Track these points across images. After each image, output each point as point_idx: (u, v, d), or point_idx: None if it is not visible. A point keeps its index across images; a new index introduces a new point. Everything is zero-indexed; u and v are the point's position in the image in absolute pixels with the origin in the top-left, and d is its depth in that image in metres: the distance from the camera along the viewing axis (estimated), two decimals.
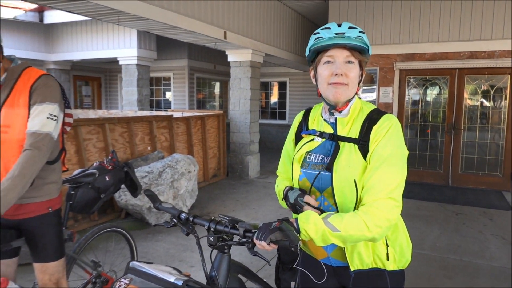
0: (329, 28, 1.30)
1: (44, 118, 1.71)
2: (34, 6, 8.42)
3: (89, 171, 2.24)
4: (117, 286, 1.21)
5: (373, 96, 7.82)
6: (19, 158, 1.66)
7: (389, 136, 1.26)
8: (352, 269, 1.34)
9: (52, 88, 1.78)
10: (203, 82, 11.78)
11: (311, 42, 1.34)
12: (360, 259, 1.33)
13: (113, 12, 4.58)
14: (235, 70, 7.68)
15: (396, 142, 1.26)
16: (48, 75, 1.81)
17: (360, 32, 1.29)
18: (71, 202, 2.17)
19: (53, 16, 8.89)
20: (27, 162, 1.64)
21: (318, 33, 1.32)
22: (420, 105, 7.58)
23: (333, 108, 1.35)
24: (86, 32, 9.40)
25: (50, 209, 1.90)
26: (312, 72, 1.40)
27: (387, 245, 1.34)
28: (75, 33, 9.53)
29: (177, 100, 11.16)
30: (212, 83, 12.28)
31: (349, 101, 1.34)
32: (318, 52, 1.33)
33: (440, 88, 7.38)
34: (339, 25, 1.30)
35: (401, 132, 1.30)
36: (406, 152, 1.29)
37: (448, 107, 7.24)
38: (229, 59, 7.70)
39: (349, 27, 1.29)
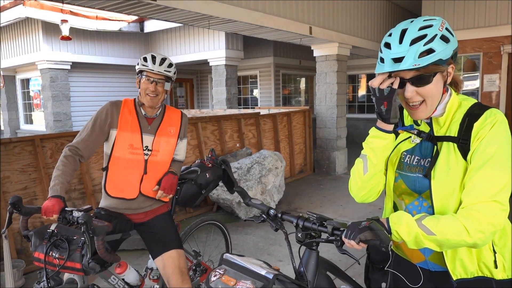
0: (389, 46, 1.17)
1: (185, 151, 2.36)
2: (136, 17, 9.32)
3: (192, 168, 2.42)
4: (213, 275, 1.31)
5: (475, 84, 7.07)
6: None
7: (494, 133, 1.14)
8: (454, 278, 1.25)
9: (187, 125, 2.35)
10: (289, 78, 11.85)
11: (379, 57, 1.22)
12: (463, 267, 1.24)
13: (203, 18, 4.86)
14: (321, 65, 7.58)
15: (502, 140, 1.14)
16: (183, 112, 2.31)
17: (428, 42, 1.11)
18: (176, 196, 2.38)
19: (151, 25, 9.74)
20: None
21: (381, 51, 1.19)
22: None
23: (417, 122, 1.29)
24: (179, 37, 10.12)
25: (168, 207, 2.29)
26: None
27: (495, 252, 1.22)
28: (170, 39, 10.33)
29: (264, 97, 11.41)
30: (298, 78, 12.29)
31: (437, 106, 1.22)
32: None
33: None
34: (401, 41, 1.14)
35: (508, 128, 1.17)
36: None
37: None
38: (314, 54, 7.62)
39: (412, 41, 1.12)
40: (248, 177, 5.00)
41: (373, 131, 1.29)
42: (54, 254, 1.73)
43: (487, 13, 6.71)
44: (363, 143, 1.33)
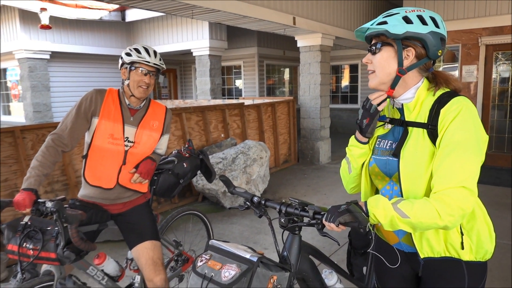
0: None
1: (166, 145, 2.33)
2: (117, 6, 9.14)
3: (169, 158, 2.43)
4: (199, 260, 1.35)
5: (455, 75, 7.24)
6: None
7: (460, 120, 1.18)
8: (421, 256, 1.32)
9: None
10: (273, 69, 11.87)
11: None
12: (429, 246, 1.30)
13: (187, 7, 4.82)
14: (305, 55, 7.62)
15: (469, 126, 1.18)
16: (168, 108, 2.32)
17: (387, 16, 1.27)
18: (154, 187, 2.40)
19: (133, 14, 9.57)
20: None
21: None
22: (510, 82, 6.85)
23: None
24: (162, 27, 9.99)
25: (146, 198, 2.28)
26: None
27: (462, 234, 1.28)
28: (153, 29, 10.18)
29: (248, 87, 11.40)
30: (282, 69, 12.31)
31: (392, 86, 1.30)
32: None
33: None
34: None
35: (476, 114, 1.21)
36: (484, 137, 1.21)
37: None
38: (298, 45, 7.65)
39: (386, 16, 1.28)
40: (233, 167, 5.03)
41: (352, 140, 1.45)
42: (28, 245, 1.71)
43: (465, 5, 6.84)
44: (346, 148, 1.49)
